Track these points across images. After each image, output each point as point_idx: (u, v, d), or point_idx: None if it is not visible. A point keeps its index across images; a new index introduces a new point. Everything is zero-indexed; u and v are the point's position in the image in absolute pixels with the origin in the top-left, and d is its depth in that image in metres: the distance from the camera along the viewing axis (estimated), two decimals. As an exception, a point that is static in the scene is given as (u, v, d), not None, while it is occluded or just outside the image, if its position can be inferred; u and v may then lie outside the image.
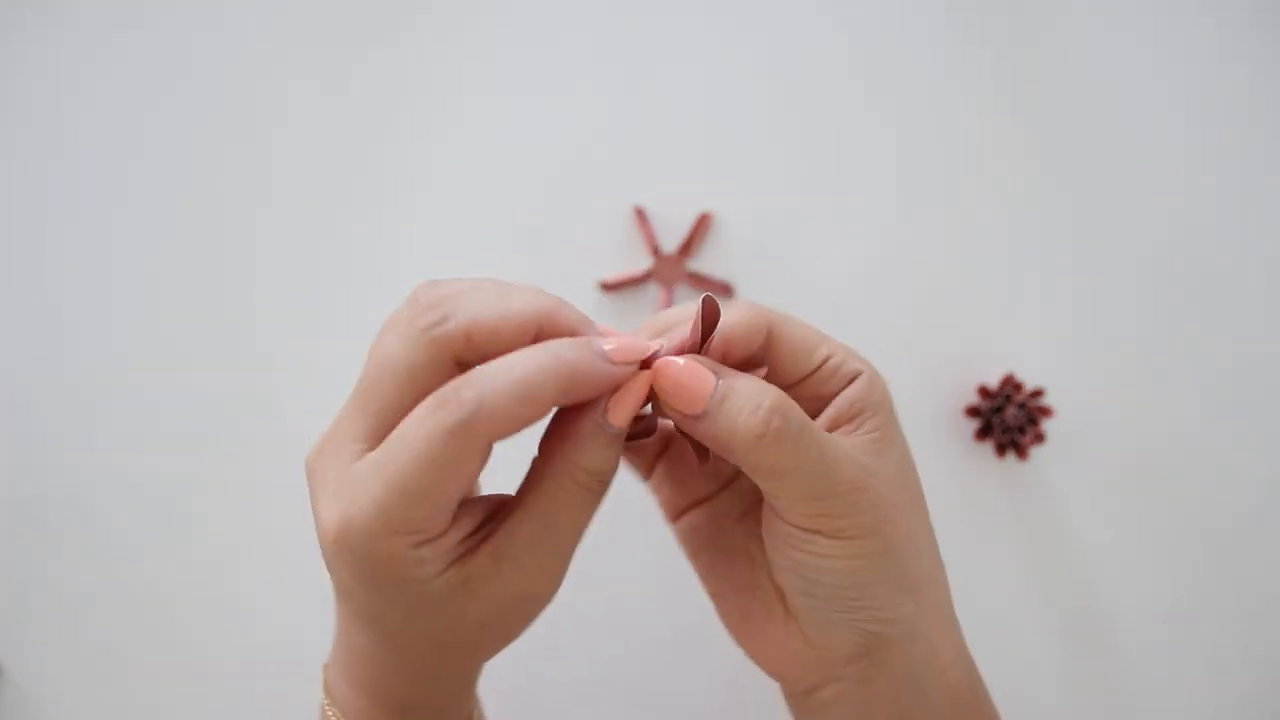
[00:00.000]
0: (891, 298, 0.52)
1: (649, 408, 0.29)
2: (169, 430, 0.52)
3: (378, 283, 0.51)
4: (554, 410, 0.28)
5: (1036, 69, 0.52)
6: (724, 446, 0.27)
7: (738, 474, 0.34)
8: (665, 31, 0.52)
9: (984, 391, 0.52)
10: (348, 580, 0.26)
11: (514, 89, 0.52)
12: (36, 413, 0.52)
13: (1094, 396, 0.52)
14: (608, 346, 0.26)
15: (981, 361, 0.52)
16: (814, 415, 0.30)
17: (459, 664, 0.30)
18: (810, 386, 0.31)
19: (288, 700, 0.50)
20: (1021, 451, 0.51)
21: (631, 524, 0.51)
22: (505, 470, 0.29)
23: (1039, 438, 0.51)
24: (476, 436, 0.24)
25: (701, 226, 0.51)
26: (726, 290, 0.52)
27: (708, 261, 0.52)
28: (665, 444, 0.35)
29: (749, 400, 0.26)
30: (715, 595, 0.34)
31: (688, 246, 0.51)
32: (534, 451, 0.28)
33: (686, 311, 0.31)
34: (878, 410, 0.30)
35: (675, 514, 0.35)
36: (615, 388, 0.27)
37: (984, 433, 0.51)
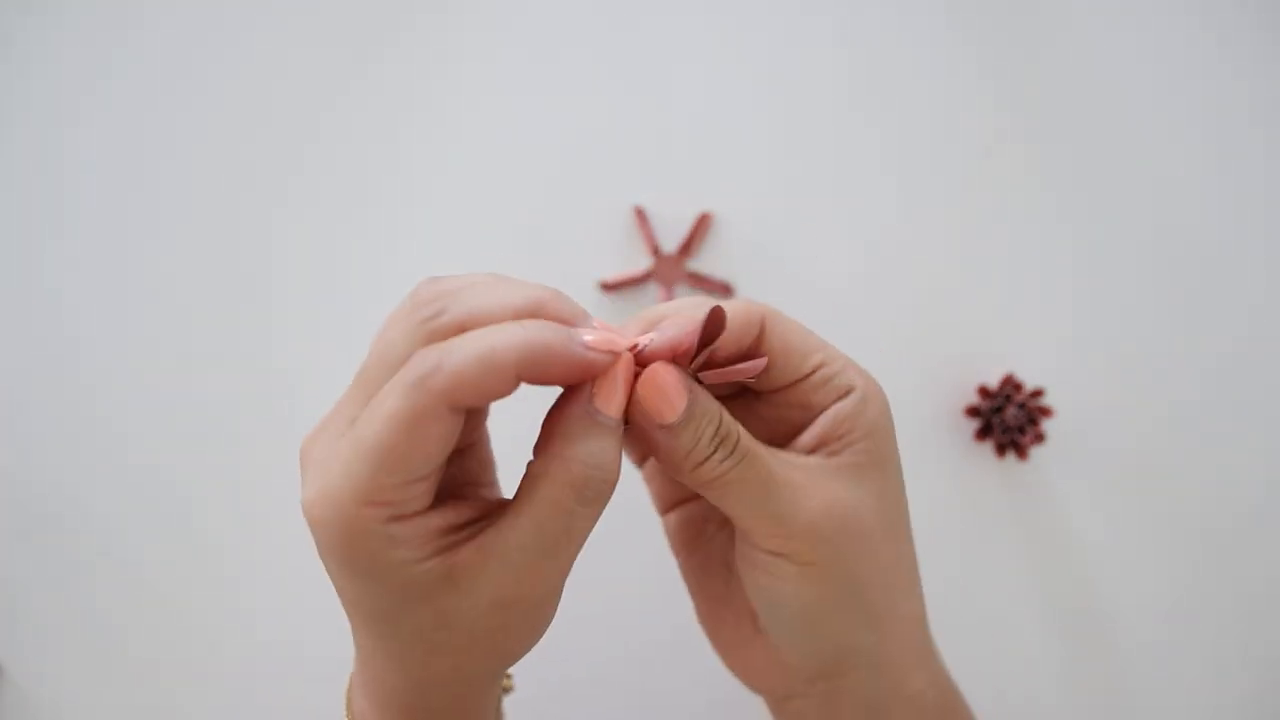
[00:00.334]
0: (891, 298, 0.52)
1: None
2: (170, 430, 0.52)
3: (381, 282, 0.51)
4: (548, 412, 0.27)
5: (1036, 70, 0.52)
6: (673, 464, 0.27)
7: None
8: (665, 32, 0.52)
9: (984, 391, 0.52)
10: (328, 563, 0.26)
11: (515, 89, 0.52)
12: (37, 412, 0.52)
13: (1094, 396, 0.52)
14: (587, 336, 0.26)
15: (981, 361, 0.52)
16: (800, 425, 0.30)
17: (459, 671, 0.28)
18: (798, 393, 0.30)
19: (289, 700, 0.50)
20: (1021, 451, 0.51)
21: (629, 524, 0.51)
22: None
23: (1039, 438, 0.51)
24: (435, 395, 0.23)
25: (701, 226, 0.51)
26: (726, 290, 0.52)
27: (708, 261, 0.52)
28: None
29: (709, 424, 0.27)
30: (693, 595, 0.34)
31: (688, 246, 0.51)
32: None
33: (685, 307, 0.30)
34: (869, 433, 0.29)
35: (665, 507, 0.35)
36: (590, 374, 0.26)
37: (984, 433, 0.51)
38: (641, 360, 0.27)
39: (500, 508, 0.27)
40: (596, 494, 0.26)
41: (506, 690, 0.35)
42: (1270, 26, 0.52)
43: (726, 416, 0.28)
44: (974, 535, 0.52)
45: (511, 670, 0.35)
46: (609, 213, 0.52)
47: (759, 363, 0.28)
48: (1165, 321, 0.52)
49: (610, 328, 0.27)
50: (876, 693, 0.30)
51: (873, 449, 0.29)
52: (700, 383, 0.28)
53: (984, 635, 0.52)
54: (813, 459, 0.29)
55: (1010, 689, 0.52)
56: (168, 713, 0.52)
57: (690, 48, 0.52)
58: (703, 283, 0.51)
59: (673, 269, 0.51)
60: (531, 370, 0.24)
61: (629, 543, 0.50)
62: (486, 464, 0.31)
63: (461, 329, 0.25)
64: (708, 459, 0.27)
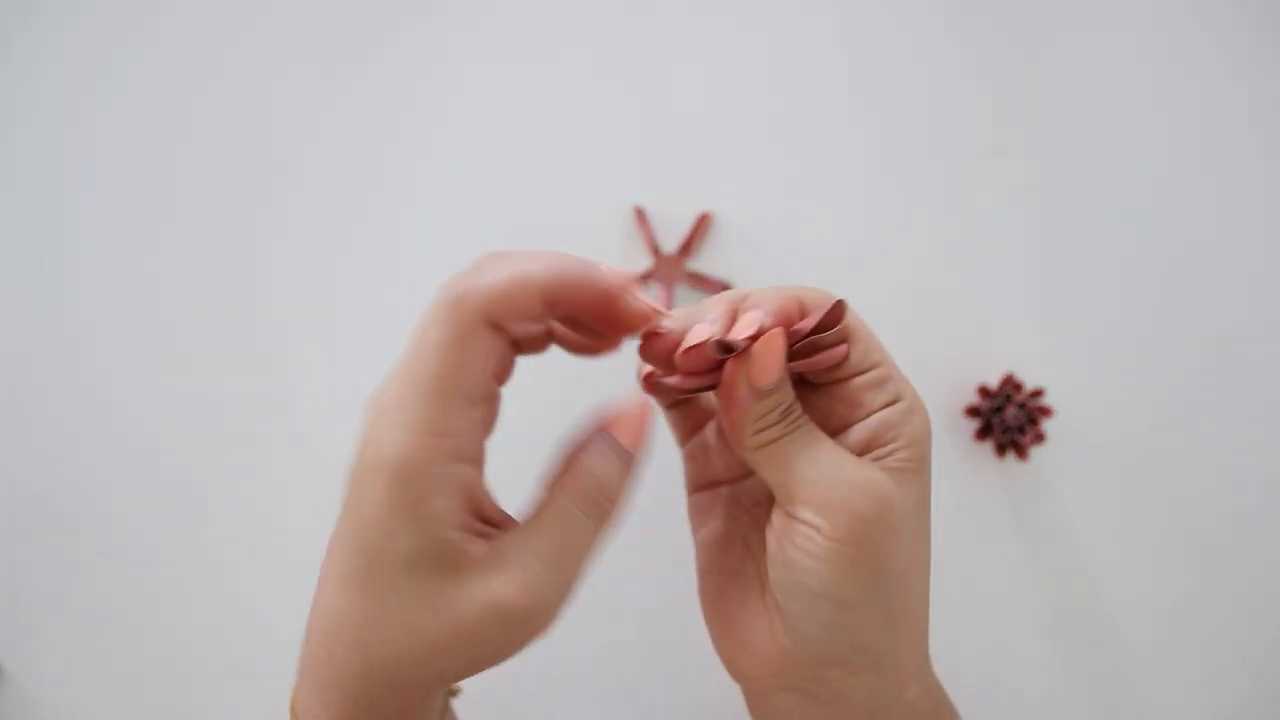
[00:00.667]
0: (891, 298, 0.52)
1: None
2: (170, 429, 0.52)
3: (381, 281, 0.52)
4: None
5: (1036, 70, 0.52)
6: (740, 424, 0.29)
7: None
8: (665, 32, 0.52)
9: (984, 391, 0.52)
10: (373, 505, 0.25)
11: (515, 89, 0.52)
12: (37, 412, 0.52)
13: (1094, 396, 0.52)
14: (604, 268, 0.27)
15: (981, 361, 0.52)
16: (846, 421, 0.31)
17: (424, 665, 0.27)
18: (850, 390, 0.31)
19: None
20: (1021, 451, 0.51)
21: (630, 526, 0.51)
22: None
23: (1039, 438, 0.51)
24: (470, 310, 0.25)
25: (701, 226, 0.51)
26: (726, 290, 0.52)
27: (708, 261, 0.52)
28: (704, 417, 0.35)
29: (784, 397, 0.29)
30: (701, 572, 0.34)
31: (688, 246, 0.51)
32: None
33: (800, 288, 0.31)
34: (912, 443, 0.30)
35: (695, 487, 0.35)
36: (612, 304, 0.27)
37: (984, 433, 0.51)
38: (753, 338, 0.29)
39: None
40: (604, 511, 0.28)
41: (454, 693, 0.34)
42: (1270, 26, 0.52)
43: (794, 397, 0.30)
44: (974, 535, 0.52)
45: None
46: (609, 213, 0.52)
47: (839, 352, 0.30)
48: (1165, 321, 0.52)
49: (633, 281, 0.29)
50: (876, 697, 0.30)
51: (914, 459, 0.30)
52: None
53: (984, 635, 0.52)
54: (862, 459, 0.30)
55: (1010, 688, 0.52)
56: (168, 713, 0.52)
57: (690, 48, 0.52)
58: (703, 283, 0.52)
59: (673, 269, 0.51)
60: (562, 290, 0.26)
61: (628, 541, 0.50)
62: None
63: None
64: (773, 425, 0.29)
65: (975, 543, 0.52)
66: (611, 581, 0.51)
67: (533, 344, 0.29)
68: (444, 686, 0.29)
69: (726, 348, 0.28)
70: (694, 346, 0.28)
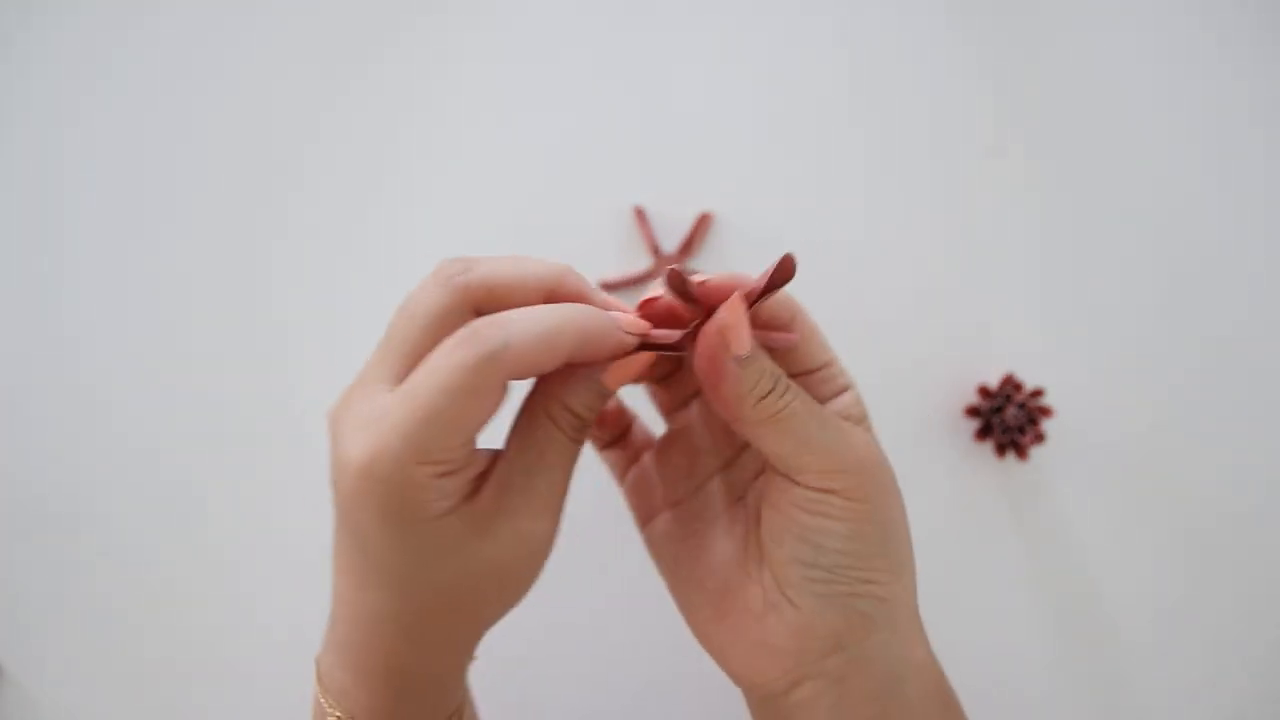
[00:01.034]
0: (891, 298, 0.52)
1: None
2: (170, 429, 0.52)
3: (381, 281, 0.51)
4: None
5: (1036, 70, 0.52)
6: (736, 396, 0.29)
7: (710, 476, 0.35)
8: (665, 32, 0.52)
9: (984, 391, 0.52)
10: (366, 519, 0.27)
11: (515, 89, 0.52)
12: (37, 412, 0.52)
13: (1094, 396, 0.52)
14: (620, 319, 0.29)
15: (981, 361, 0.52)
16: None
17: (464, 621, 0.30)
18: (807, 384, 0.32)
19: (291, 700, 0.50)
20: (1021, 451, 0.51)
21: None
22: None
23: (1039, 438, 0.51)
24: (500, 371, 0.26)
25: (701, 226, 0.51)
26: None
27: (708, 261, 0.52)
28: (637, 454, 0.37)
29: (766, 363, 0.30)
30: (685, 599, 0.34)
31: (688, 246, 0.51)
32: None
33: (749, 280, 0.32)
34: (867, 422, 0.32)
35: (646, 517, 0.36)
36: (617, 355, 0.29)
37: (984, 433, 0.51)
38: (648, 345, 0.30)
39: (499, 454, 0.30)
40: (578, 438, 0.30)
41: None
42: (1270, 26, 0.52)
43: (776, 365, 0.30)
44: (974, 535, 0.52)
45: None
46: (609, 213, 0.52)
47: (791, 337, 0.31)
48: (1165, 321, 0.52)
49: (620, 305, 0.31)
50: (894, 658, 0.30)
51: (870, 431, 0.32)
52: None
53: (984, 634, 0.52)
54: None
55: (1010, 688, 0.52)
56: (168, 713, 0.52)
57: (690, 48, 0.52)
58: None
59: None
60: (580, 353, 0.28)
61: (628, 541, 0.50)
62: None
63: (488, 287, 0.28)
64: (769, 393, 0.29)
65: (975, 543, 0.52)
66: (613, 583, 0.51)
67: None
68: (480, 636, 0.31)
69: (680, 284, 0.29)
70: (651, 297, 0.31)
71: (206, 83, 0.52)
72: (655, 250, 0.52)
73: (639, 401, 0.39)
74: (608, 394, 0.30)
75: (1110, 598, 0.52)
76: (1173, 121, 0.52)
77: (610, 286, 0.52)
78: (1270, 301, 0.52)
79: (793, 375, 0.32)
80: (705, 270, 0.52)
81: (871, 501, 0.30)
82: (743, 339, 0.29)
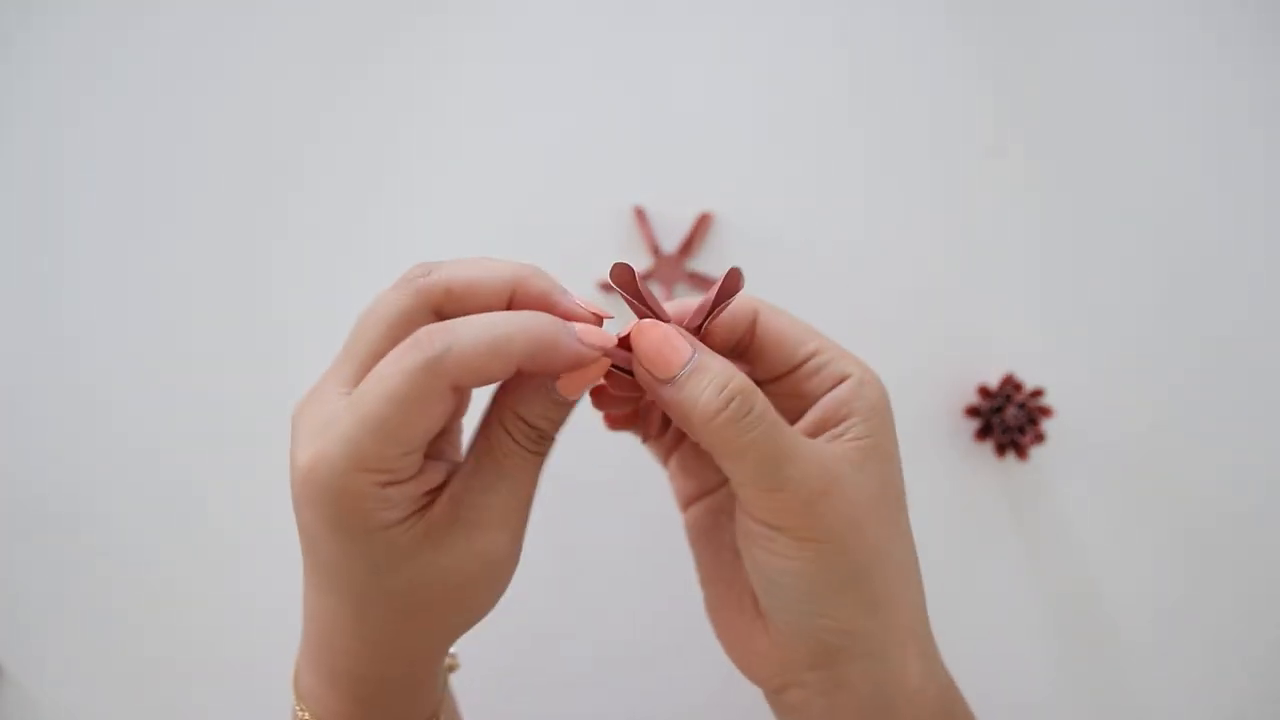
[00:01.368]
0: (891, 297, 0.52)
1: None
2: (170, 429, 0.52)
3: (381, 281, 0.51)
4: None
5: (1036, 70, 0.52)
6: (684, 418, 0.28)
7: None
8: (665, 32, 0.52)
9: (984, 391, 0.52)
10: (315, 525, 0.26)
11: (515, 89, 0.52)
12: (37, 412, 0.52)
13: (1094, 396, 0.52)
14: (578, 328, 0.27)
15: (981, 361, 0.52)
16: (797, 413, 0.30)
17: (426, 635, 0.29)
18: (792, 383, 0.31)
19: (290, 700, 0.50)
20: (1021, 451, 0.51)
21: (635, 518, 0.52)
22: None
23: (1039, 438, 0.51)
24: (442, 377, 0.25)
25: (701, 226, 0.51)
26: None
27: (708, 261, 0.52)
28: (679, 440, 0.35)
29: (715, 378, 0.27)
30: (702, 583, 0.34)
31: (688, 246, 0.51)
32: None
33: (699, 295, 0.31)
34: (869, 416, 0.29)
35: (685, 503, 0.36)
36: (579, 366, 0.27)
37: (984, 433, 0.51)
38: (626, 345, 0.28)
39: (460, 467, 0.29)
40: (540, 452, 0.29)
41: (451, 669, 0.36)
42: (1270, 26, 0.52)
43: (742, 378, 0.28)
44: (974, 535, 0.52)
45: (455, 650, 0.36)
46: (609, 213, 0.52)
47: (734, 281, 0.28)
48: (1165, 321, 0.52)
49: (591, 305, 0.29)
50: (879, 684, 0.29)
51: (873, 433, 0.29)
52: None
53: (984, 635, 0.52)
54: (818, 441, 0.29)
55: (1010, 688, 0.52)
56: (168, 712, 0.52)
57: (690, 48, 0.52)
58: (703, 283, 0.51)
59: (673, 269, 0.51)
60: (533, 361, 0.26)
61: (631, 536, 0.50)
62: (452, 437, 0.33)
63: (448, 291, 0.27)
64: (720, 413, 0.27)
65: (975, 543, 0.52)
66: (615, 583, 0.51)
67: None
68: (448, 645, 0.30)
69: (628, 279, 0.28)
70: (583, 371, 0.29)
71: (206, 83, 0.52)
72: (655, 250, 0.51)
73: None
74: (566, 403, 0.28)
75: (1110, 598, 0.52)
76: (1173, 121, 0.52)
77: (611, 287, 0.52)
78: (1270, 301, 0.52)
79: (776, 376, 0.31)
80: (704, 271, 0.52)
81: (826, 542, 0.28)
82: (664, 362, 0.27)
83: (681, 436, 0.35)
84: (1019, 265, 0.52)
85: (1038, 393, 0.51)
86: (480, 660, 0.37)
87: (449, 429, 0.32)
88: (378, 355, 0.27)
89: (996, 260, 0.52)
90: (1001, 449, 0.51)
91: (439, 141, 0.52)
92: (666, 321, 0.29)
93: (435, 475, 0.28)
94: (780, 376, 0.31)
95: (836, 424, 0.29)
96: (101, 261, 0.52)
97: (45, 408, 0.52)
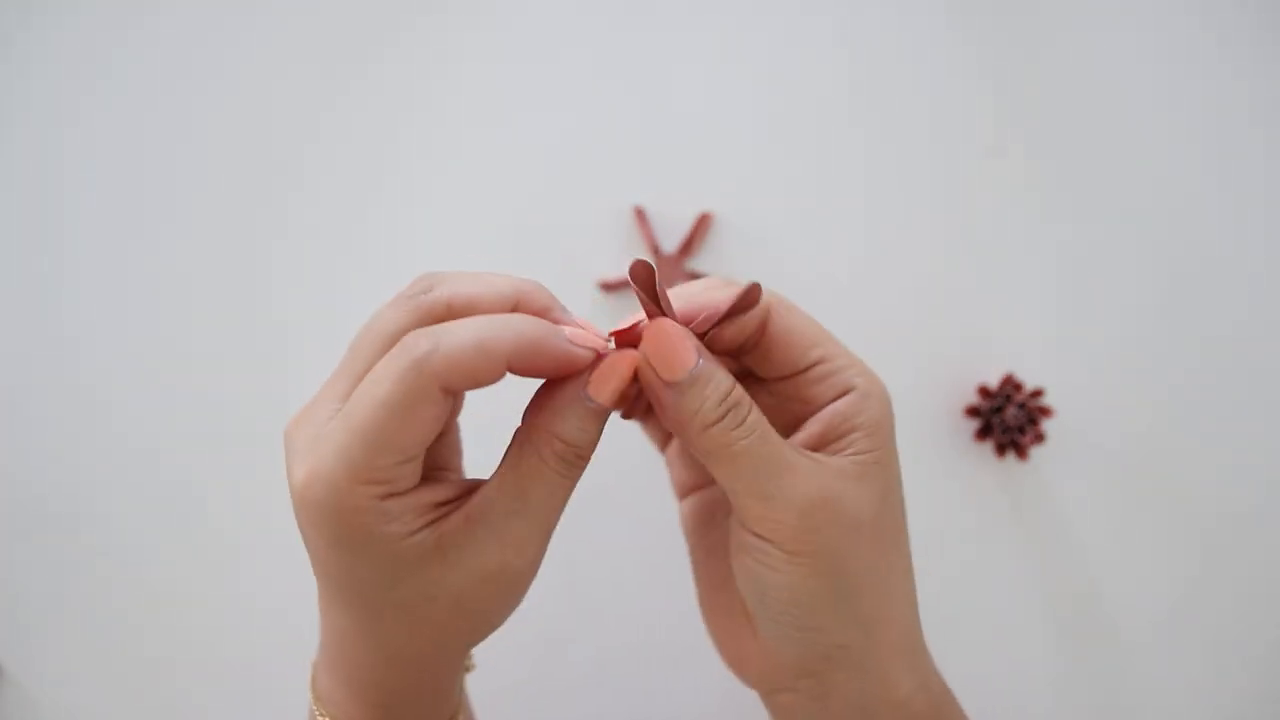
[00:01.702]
0: (891, 298, 0.52)
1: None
2: (170, 429, 0.52)
3: (381, 281, 0.51)
4: (540, 385, 0.28)
5: (1036, 70, 0.52)
6: (680, 423, 0.28)
7: None
8: (665, 32, 0.52)
9: (984, 391, 0.52)
10: (316, 541, 0.26)
11: (514, 89, 0.52)
12: (37, 412, 0.52)
13: (1094, 396, 0.52)
14: (568, 332, 0.27)
15: (981, 361, 0.52)
16: (799, 418, 0.30)
17: (438, 646, 0.29)
18: (796, 386, 0.30)
19: (290, 700, 0.50)
20: (1021, 451, 0.51)
21: (641, 522, 0.52)
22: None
23: (1039, 438, 0.51)
24: (431, 376, 0.24)
25: (701, 226, 0.51)
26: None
27: (708, 261, 0.52)
28: None
29: (718, 388, 0.27)
30: (696, 581, 0.34)
31: (688, 246, 0.51)
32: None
33: (712, 286, 0.30)
34: (872, 432, 0.29)
35: (682, 492, 0.35)
36: (571, 369, 0.27)
37: (984, 433, 0.51)
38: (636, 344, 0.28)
39: (478, 486, 0.28)
40: (574, 469, 0.28)
41: (468, 669, 0.35)
42: (1270, 26, 0.52)
43: (740, 389, 0.28)
44: (974, 535, 0.52)
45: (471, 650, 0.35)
46: (609, 213, 0.52)
47: (752, 296, 0.28)
48: (1165, 321, 0.52)
49: (587, 324, 0.28)
50: (863, 695, 0.30)
51: (874, 449, 0.29)
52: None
53: (984, 635, 0.52)
54: (817, 454, 0.29)
55: (1010, 689, 0.52)
56: (168, 713, 0.52)
57: (690, 48, 0.52)
58: (703, 283, 0.52)
59: (673, 269, 0.51)
60: (520, 361, 0.26)
61: (637, 540, 0.50)
62: (455, 449, 0.32)
63: (448, 307, 0.26)
64: (716, 423, 0.27)
65: (975, 543, 0.52)
66: (617, 585, 0.51)
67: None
68: (463, 655, 0.30)
69: (647, 277, 0.27)
70: (625, 329, 0.28)
71: (206, 83, 0.52)
72: (655, 250, 0.52)
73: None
74: (601, 412, 0.27)
75: (1110, 597, 0.52)
76: (1173, 121, 0.52)
77: (610, 286, 0.52)
78: (1270, 301, 0.52)
79: (778, 379, 0.30)
80: (704, 271, 0.52)
81: (815, 556, 0.27)
82: (671, 365, 0.27)
83: None
84: (1019, 265, 0.52)
85: (1038, 393, 0.51)
86: (487, 664, 0.37)
87: (448, 439, 0.32)
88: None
89: (996, 260, 0.52)
90: (1001, 449, 0.51)
91: (439, 141, 0.52)
92: (677, 321, 0.28)
93: (443, 489, 0.27)
94: (786, 378, 0.30)
95: (838, 438, 0.29)
96: (102, 261, 0.52)
97: (45, 408, 0.52)
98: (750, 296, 0.27)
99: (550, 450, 0.27)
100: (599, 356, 0.27)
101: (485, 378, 0.25)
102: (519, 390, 0.29)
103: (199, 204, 0.52)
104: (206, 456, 0.51)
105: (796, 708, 0.31)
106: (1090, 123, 0.52)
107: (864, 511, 0.28)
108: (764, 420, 0.28)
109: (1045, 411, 0.51)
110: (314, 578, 0.30)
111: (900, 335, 0.52)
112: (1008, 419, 0.51)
